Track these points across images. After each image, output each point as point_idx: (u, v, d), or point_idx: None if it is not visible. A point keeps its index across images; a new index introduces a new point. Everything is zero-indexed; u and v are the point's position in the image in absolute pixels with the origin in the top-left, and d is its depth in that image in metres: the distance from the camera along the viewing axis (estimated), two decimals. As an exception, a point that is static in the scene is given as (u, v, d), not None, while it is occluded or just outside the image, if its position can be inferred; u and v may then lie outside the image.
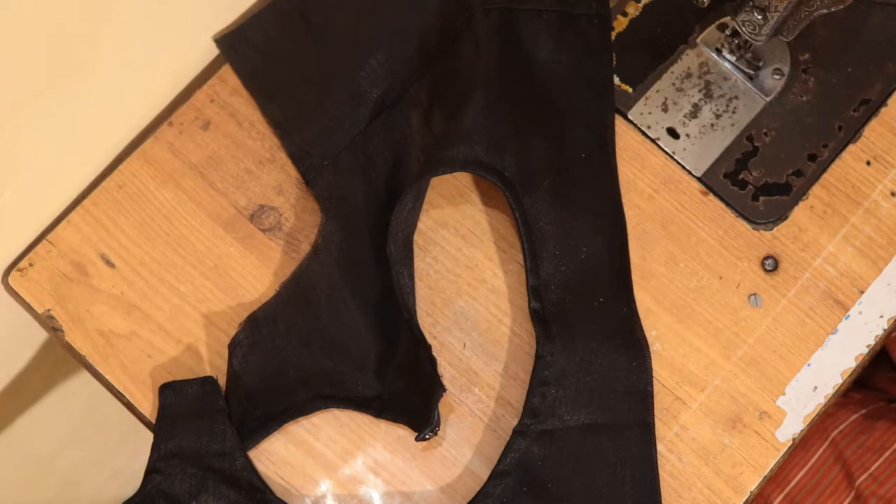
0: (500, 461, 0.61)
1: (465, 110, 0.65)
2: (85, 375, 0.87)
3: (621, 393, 0.62)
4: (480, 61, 0.67)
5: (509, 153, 0.65)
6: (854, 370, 0.65)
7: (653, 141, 0.69)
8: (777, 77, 0.70)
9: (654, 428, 0.62)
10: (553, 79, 0.68)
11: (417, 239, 0.67)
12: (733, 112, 0.70)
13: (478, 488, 0.62)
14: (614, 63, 0.70)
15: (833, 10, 0.61)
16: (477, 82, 0.66)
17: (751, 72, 0.70)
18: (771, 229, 0.68)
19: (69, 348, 0.65)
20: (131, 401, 0.65)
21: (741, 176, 0.68)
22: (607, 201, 0.66)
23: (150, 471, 0.62)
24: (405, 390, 0.63)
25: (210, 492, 0.61)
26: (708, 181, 0.68)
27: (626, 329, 0.64)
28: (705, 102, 0.70)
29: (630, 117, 0.69)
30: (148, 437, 0.64)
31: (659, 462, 0.62)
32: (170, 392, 0.63)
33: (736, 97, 0.70)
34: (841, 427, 0.80)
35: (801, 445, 0.78)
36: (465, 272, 0.67)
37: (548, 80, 0.68)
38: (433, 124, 0.67)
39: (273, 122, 0.68)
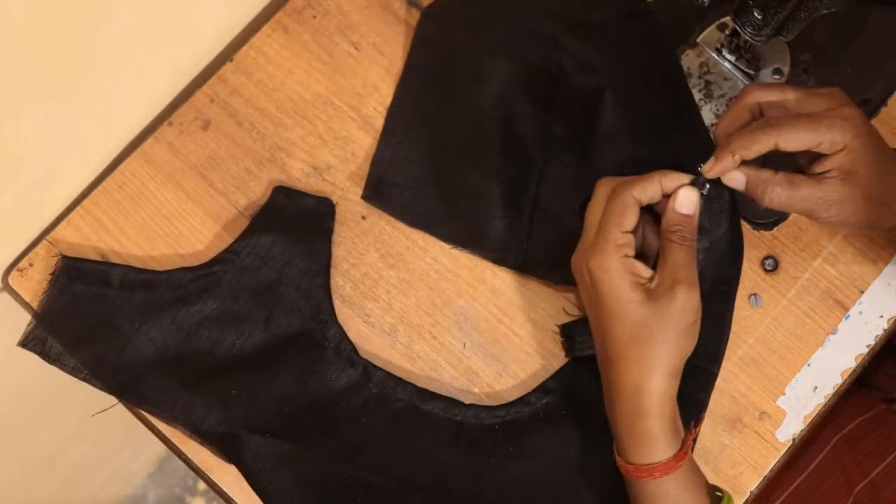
0: (550, 378, 0.63)
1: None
2: (85, 375, 0.87)
3: None
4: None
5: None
6: (854, 370, 0.65)
7: (653, 141, 0.69)
8: (777, 77, 0.69)
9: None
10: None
11: (417, 239, 0.67)
12: (733, 112, 0.69)
13: (478, 488, 0.62)
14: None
15: (833, 10, 0.61)
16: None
17: (751, 72, 0.70)
18: (771, 229, 0.68)
19: (69, 348, 0.65)
20: (131, 401, 0.65)
21: (741, 176, 0.68)
22: None
23: (225, 255, 0.62)
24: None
25: (274, 293, 0.60)
26: (708, 181, 0.68)
27: None
28: (705, 102, 0.70)
29: (630, 117, 0.69)
30: (148, 437, 0.64)
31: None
32: (283, 195, 0.62)
33: (736, 97, 0.70)
34: (843, 432, 0.80)
35: (803, 450, 0.77)
36: (465, 272, 0.67)
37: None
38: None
39: (454, 244, 0.67)
